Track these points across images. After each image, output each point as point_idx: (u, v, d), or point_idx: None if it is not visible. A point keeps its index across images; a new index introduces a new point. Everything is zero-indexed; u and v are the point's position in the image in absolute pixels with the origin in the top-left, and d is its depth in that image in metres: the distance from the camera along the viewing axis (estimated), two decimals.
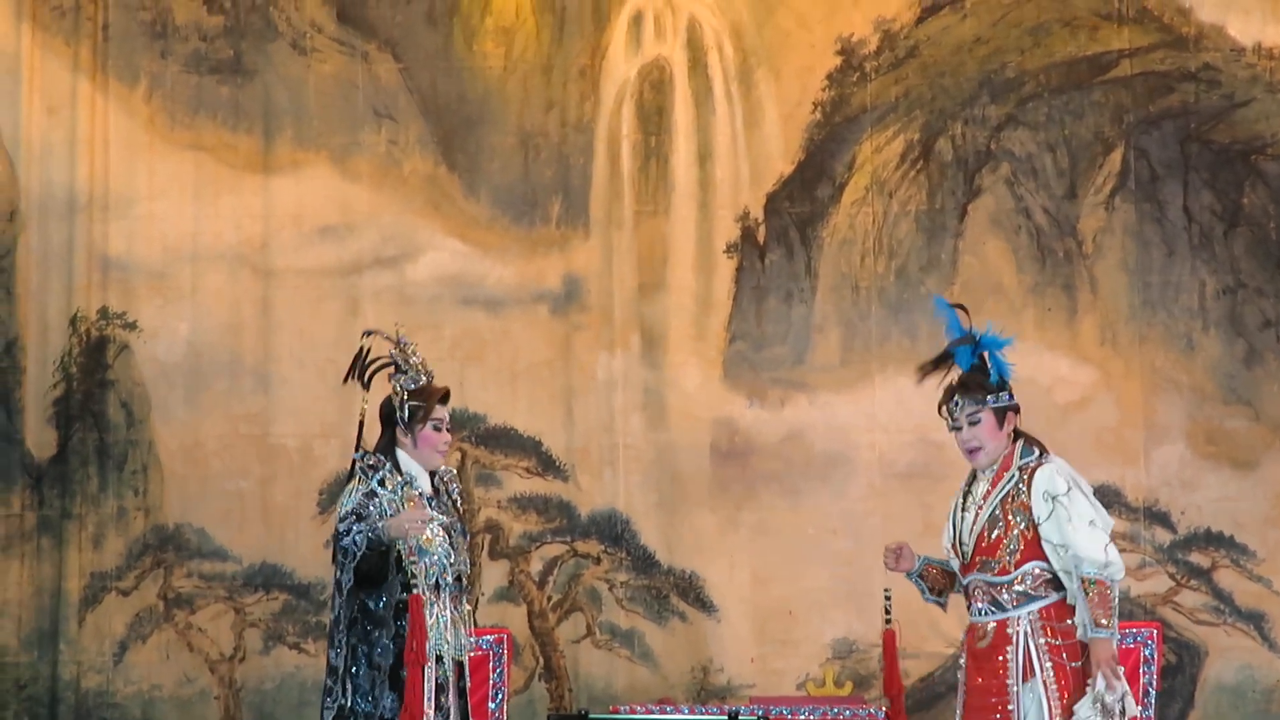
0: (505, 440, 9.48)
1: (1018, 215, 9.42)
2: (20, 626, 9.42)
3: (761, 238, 9.48)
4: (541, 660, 9.36)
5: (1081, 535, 6.63)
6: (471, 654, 7.01)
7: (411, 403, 6.78)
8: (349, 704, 6.59)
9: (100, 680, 9.42)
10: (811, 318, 9.47)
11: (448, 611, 6.70)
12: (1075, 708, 6.54)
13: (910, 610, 9.16)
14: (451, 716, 6.70)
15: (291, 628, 9.41)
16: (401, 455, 6.81)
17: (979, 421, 6.68)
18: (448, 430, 6.86)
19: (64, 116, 9.57)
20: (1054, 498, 6.69)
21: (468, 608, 6.86)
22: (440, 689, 6.61)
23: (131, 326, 9.50)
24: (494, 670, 8.41)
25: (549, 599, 9.42)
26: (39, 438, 9.51)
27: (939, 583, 6.95)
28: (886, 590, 7.17)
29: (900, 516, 9.25)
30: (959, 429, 6.73)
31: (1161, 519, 9.30)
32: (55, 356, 9.52)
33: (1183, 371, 9.34)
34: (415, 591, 6.53)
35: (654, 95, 9.57)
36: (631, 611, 9.42)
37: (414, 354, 6.92)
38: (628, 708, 8.55)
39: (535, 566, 9.47)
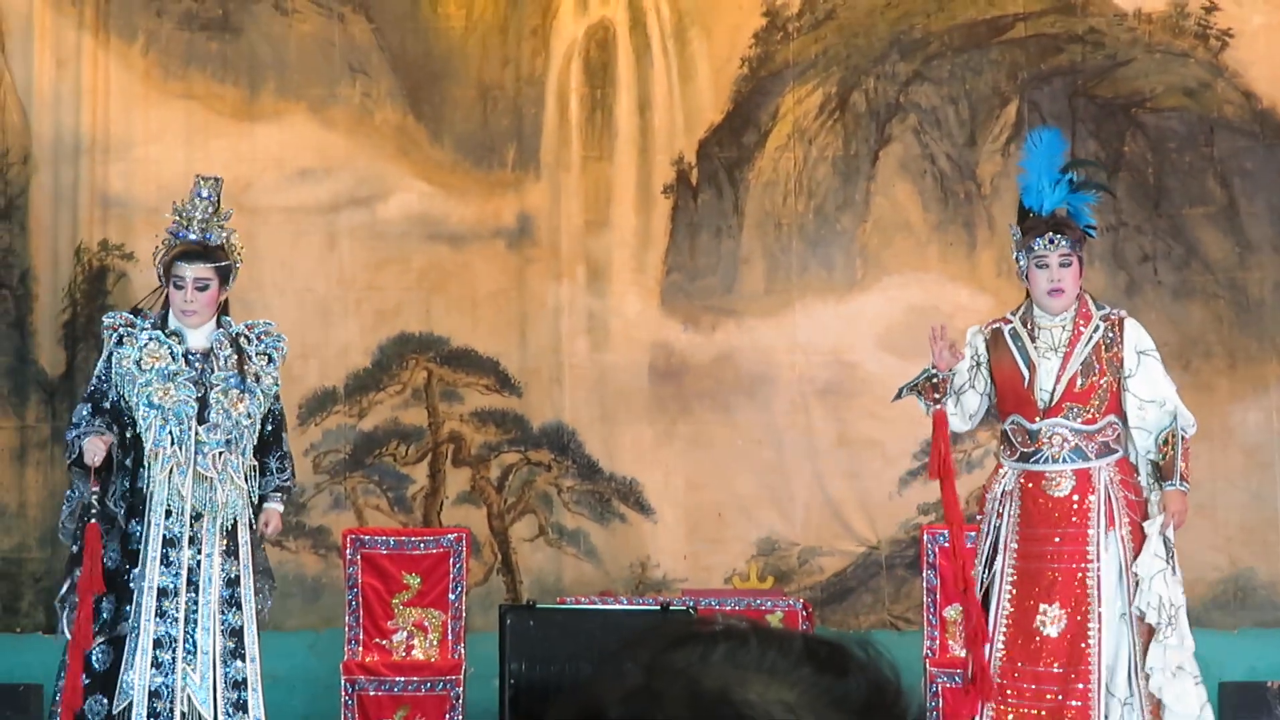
0: (467, 361, 9.83)
1: (924, 161, 9.73)
2: (36, 526, 9.58)
3: (694, 180, 9.80)
4: (499, 556, 9.73)
5: (1174, 391, 6.40)
6: (238, 513, 6.36)
7: (164, 258, 6.37)
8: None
9: None
10: (739, 251, 9.78)
11: (189, 466, 6.19)
12: (1144, 525, 6.29)
13: (822, 513, 9.62)
14: (207, 573, 6.23)
15: None
16: (171, 312, 6.39)
17: (1070, 264, 6.34)
18: (196, 289, 6.26)
19: (70, 69, 9.75)
20: (1143, 353, 6.40)
21: (245, 464, 6.29)
22: (170, 543, 6.21)
23: (129, 257, 9.70)
24: (454, 565, 8.74)
25: (506, 502, 9.79)
26: (51, 357, 9.71)
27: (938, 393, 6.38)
28: (933, 371, 6.56)
29: (818, 428, 9.68)
30: (1046, 267, 6.32)
31: None
32: (63, 285, 9.72)
33: None
34: (91, 520, 5.92)
35: (599, 52, 9.86)
36: (577, 514, 9.76)
37: (195, 205, 6.28)
38: (573, 599, 8.80)
39: (494, 473, 9.81)
